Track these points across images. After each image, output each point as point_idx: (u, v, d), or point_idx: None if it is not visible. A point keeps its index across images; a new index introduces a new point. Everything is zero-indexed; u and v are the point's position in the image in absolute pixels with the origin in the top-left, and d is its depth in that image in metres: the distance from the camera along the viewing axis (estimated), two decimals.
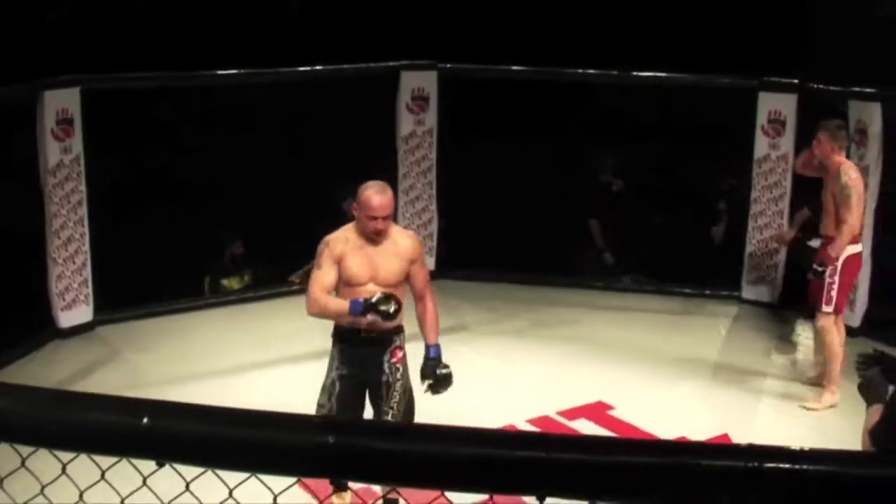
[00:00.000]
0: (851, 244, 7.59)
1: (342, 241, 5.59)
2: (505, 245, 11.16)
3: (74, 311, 8.80)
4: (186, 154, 11.08)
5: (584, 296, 9.99)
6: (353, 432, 1.72)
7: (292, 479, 1.84)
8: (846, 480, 1.56)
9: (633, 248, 11.06)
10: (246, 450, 1.72)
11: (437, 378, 5.66)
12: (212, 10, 12.47)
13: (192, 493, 1.90)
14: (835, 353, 7.58)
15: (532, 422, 7.16)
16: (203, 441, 1.73)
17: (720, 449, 1.68)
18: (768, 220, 9.63)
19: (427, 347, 5.76)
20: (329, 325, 5.76)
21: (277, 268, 9.60)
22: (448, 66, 10.22)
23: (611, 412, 7.38)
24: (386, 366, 5.60)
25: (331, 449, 1.66)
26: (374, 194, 5.53)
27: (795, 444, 1.63)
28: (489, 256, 10.48)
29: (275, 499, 1.82)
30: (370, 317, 5.37)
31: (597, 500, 1.64)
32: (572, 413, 7.32)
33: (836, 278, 7.54)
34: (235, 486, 1.85)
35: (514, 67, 10.51)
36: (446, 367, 5.69)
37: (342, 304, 5.48)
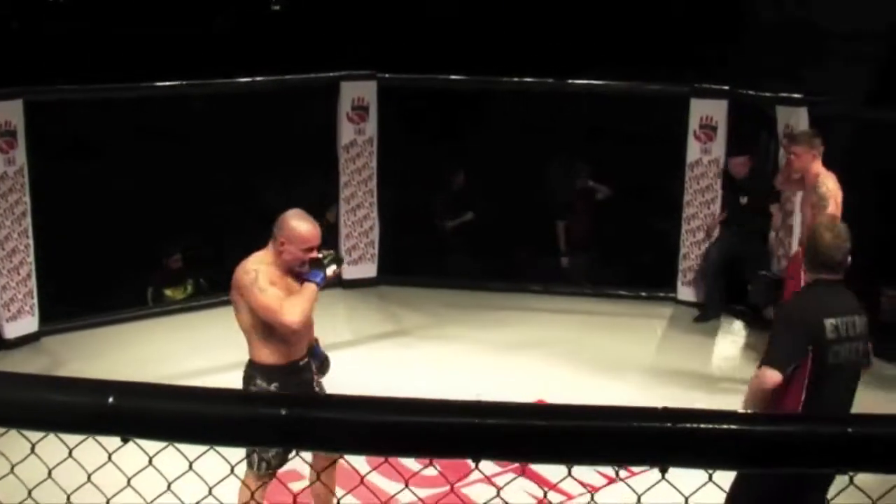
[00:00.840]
0: None
1: (266, 273, 5.19)
2: (446, 251, 11.37)
3: (20, 322, 8.83)
4: (128, 165, 11.14)
5: (523, 299, 10.18)
6: (302, 405, 1.88)
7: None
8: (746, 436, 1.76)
9: (585, 251, 11.33)
10: (205, 424, 1.87)
11: (325, 363, 5.68)
12: (151, 22, 12.56)
13: (154, 468, 2.05)
14: None
15: None
16: (166, 418, 1.87)
17: (636, 412, 1.86)
18: (700, 222, 9.90)
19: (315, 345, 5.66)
20: None
21: (219, 278, 9.69)
22: (387, 75, 10.37)
23: None
24: (316, 385, 5.55)
25: (283, 420, 1.81)
26: (307, 224, 5.23)
27: None
28: (430, 262, 10.66)
29: (232, 469, 1.98)
30: (331, 271, 5.25)
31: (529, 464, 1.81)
32: None
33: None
34: (195, 459, 2.00)
35: (453, 77, 10.69)
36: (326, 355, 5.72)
37: (310, 289, 5.17)
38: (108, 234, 10.49)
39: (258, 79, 10.15)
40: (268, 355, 5.32)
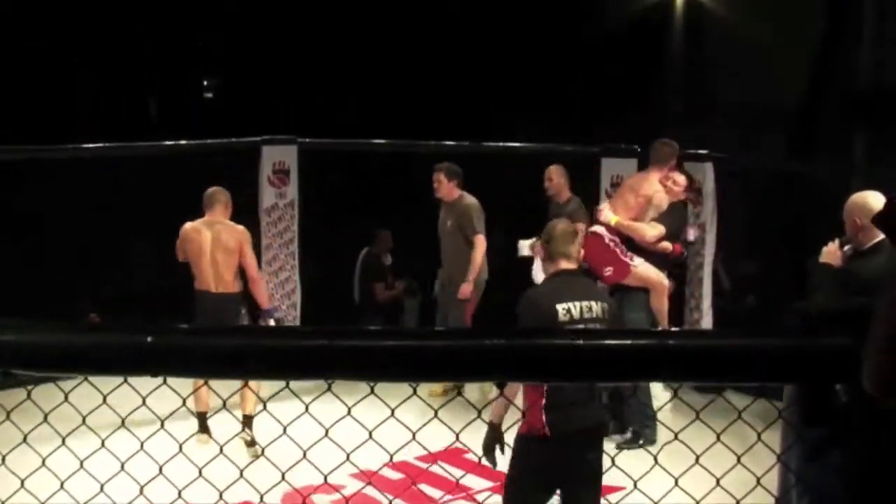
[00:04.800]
0: None
1: None
2: (364, 315, 11.50)
3: None
4: (56, 225, 11.15)
5: None
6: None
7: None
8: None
9: None
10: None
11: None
12: (73, 85, 12.67)
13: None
14: None
15: (393, 466, 7.40)
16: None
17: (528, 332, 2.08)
18: None
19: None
20: None
21: None
22: (307, 140, 10.57)
23: (466, 455, 7.61)
24: None
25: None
26: None
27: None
28: (351, 322, 10.79)
29: (203, 422, 2.15)
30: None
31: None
32: (429, 458, 7.55)
33: None
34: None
35: (372, 140, 10.94)
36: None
37: None
38: (35, 292, 10.43)
39: (182, 142, 10.32)
40: None
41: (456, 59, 14.01)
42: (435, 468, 7.01)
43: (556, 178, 9.48)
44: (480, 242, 9.05)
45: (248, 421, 7.84)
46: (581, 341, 1.96)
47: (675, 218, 8.30)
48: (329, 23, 15.05)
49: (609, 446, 7.03)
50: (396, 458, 2.67)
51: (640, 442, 8.00)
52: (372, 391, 2.16)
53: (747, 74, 13.10)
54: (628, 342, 1.98)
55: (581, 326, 5.08)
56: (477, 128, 11.23)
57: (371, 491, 5.69)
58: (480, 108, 12.69)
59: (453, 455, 7.14)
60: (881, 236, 5.61)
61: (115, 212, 10.61)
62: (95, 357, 2.03)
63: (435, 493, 6.90)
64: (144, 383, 2.10)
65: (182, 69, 16.17)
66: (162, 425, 2.66)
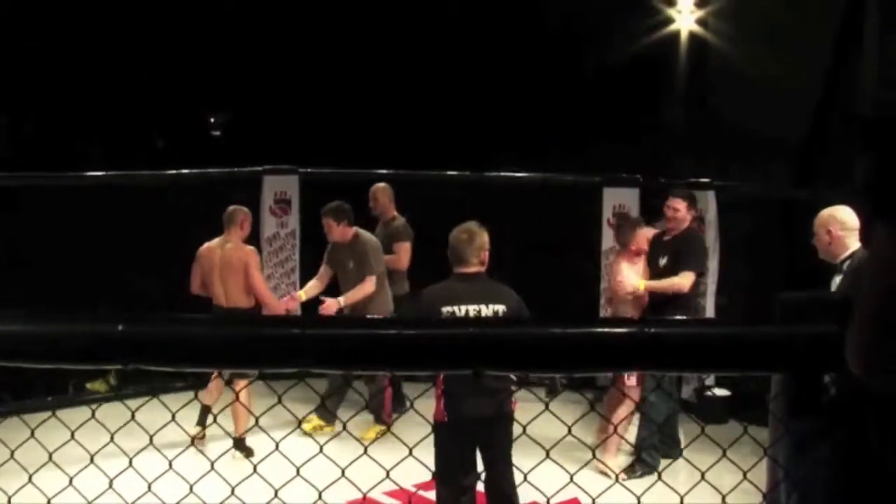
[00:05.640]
0: None
1: None
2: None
3: None
4: (51, 253, 11.10)
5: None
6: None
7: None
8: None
9: None
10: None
11: None
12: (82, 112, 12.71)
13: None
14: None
15: (390, 494, 7.33)
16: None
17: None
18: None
19: None
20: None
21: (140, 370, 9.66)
22: (308, 170, 10.58)
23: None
24: None
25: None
26: None
27: None
28: None
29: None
30: None
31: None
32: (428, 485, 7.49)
33: None
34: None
35: (374, 171, 10.90)
36: None
37: None
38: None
39: (184, 171, 10.32)
40: None
41: (459, 88, 14.05)
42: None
43: (382, 198, 9.67)
44: (370, 283, 8.80)
45: (239, 443, 7.96)
46: (558, 330, 1.91)
47: (699, 252, 8.21)
48: (334, 53, 15.12)
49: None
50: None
51: (638, 473, 7.89)
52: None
53: (751, 104, 13.08)
54: (607, 331, 1.94)
55: None
56: (479, 158, 11.18)
57: None
58: (482, 139, 12.69)
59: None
60: (853, 248, 5.65)
61: (114, 241, 10.58)
62: (66, 346, 1.98)
63: None
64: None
65: (189, 106, 16.26)
66: (151, 440, 2.62)
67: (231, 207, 8.47)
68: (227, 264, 8.25)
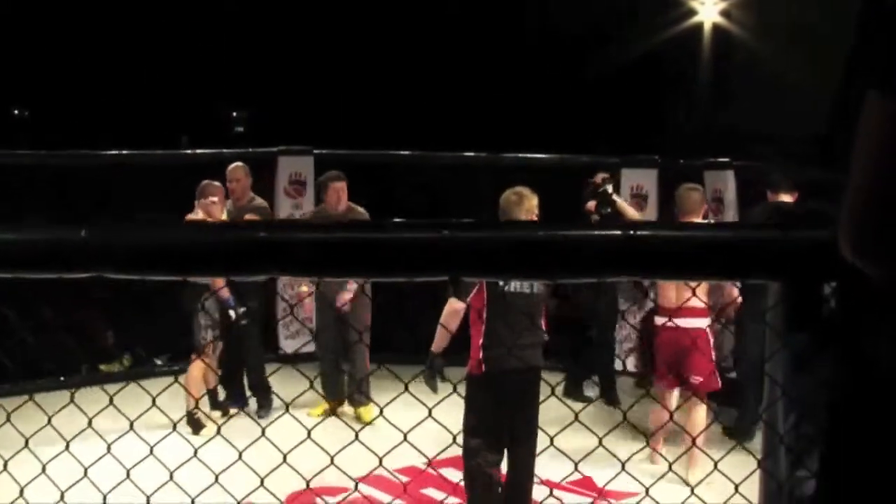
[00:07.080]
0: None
1: None
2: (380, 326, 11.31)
3: None
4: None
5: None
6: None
7: None
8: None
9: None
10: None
11: None
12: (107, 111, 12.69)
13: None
14: None
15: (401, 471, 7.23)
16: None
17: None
18: None
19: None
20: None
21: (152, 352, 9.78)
22: (324, 151, 10.47)
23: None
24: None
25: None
26: None
27: None
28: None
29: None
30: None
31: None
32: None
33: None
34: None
35: (389, 151, 10.82)
36: None
37: None
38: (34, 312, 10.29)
39: (199, 151, 10.25)
40: None
41: (477, 71, 13.95)
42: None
43: (245, 179, 8.93)
44: None
45: (189, 416, 7.96)
46: (541, 233, 1.81)
47: None
48: (350, 38, 15.07)
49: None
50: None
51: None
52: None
53: (771, 102, 12.93)
54: (594, 233, 1.83)
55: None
56: (495, 139, 11.08)
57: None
58: (499, 120, 12.59)
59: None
60: None
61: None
62: (25, 252, 1.88)
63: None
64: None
65: (212, 103, 16.27)
66: (131, 426, 2.55)
67: (205, 181, 8.38)
68: None
